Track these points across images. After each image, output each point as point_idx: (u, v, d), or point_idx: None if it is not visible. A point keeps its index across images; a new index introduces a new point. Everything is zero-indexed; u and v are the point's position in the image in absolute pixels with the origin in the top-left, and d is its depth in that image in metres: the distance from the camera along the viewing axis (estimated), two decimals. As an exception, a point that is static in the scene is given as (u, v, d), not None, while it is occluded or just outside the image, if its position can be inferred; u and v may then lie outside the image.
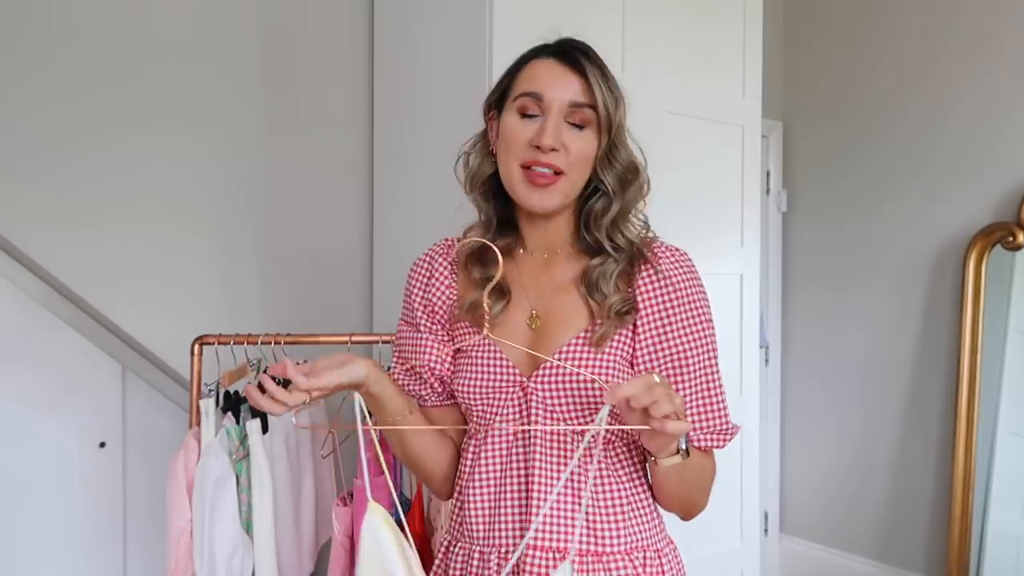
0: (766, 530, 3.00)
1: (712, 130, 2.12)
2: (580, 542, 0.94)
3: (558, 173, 0.95)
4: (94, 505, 1.81)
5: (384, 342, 1.62)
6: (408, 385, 1.06)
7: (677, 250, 1.02)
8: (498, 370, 0.98)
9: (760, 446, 2.51)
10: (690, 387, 0.97)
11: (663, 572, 0.98)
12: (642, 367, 0.96)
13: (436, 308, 1.06)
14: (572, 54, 0.97)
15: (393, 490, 0.90)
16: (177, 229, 1.86)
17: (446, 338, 1.06)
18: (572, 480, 0.95)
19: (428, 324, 1.06)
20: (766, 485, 2.96)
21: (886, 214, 2.72)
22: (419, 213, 1.97)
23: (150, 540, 1.85)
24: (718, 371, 0.99)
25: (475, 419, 1.01)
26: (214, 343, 1.54)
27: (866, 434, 2.77)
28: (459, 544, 1.02)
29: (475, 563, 0.98)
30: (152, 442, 1.87)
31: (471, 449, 1.01)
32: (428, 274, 1.08)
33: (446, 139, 1.87)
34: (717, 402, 0.98)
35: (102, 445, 1.82)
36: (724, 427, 0.98)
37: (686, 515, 1.01)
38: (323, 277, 2.10)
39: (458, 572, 1.00)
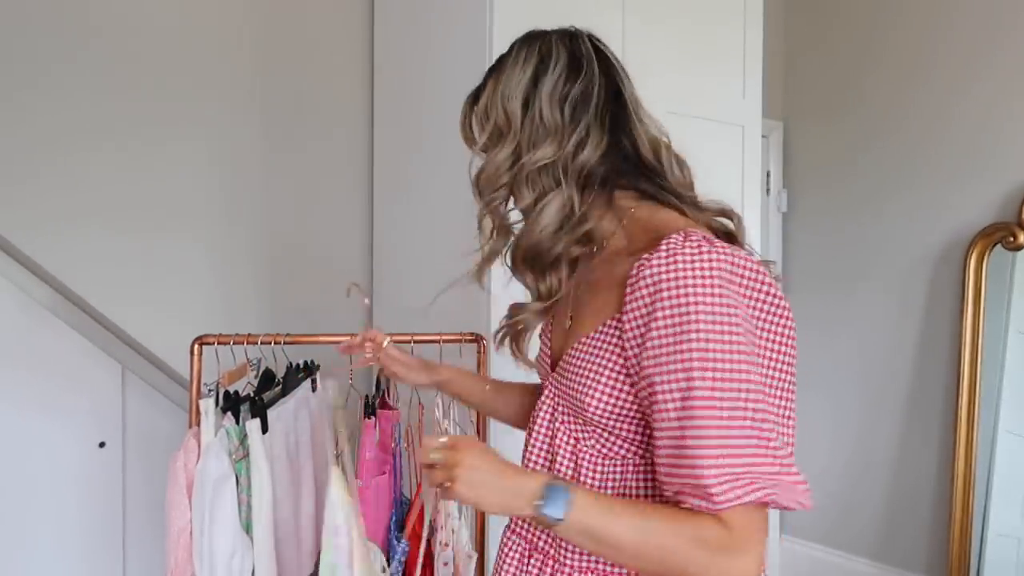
0: (766, 530, 2.99)
1: (712, 130, 2.12)
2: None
3: None
4: (94, 505, 1.82)
5: (384, 342, 1.62)
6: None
7: (687, 239, 0.77)
8: (544, 359, 1.04)
9: (760, 446, 2.51)
10: (663, 424, 0.74)
11: None
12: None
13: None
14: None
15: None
16: (177, 229, 1.86)
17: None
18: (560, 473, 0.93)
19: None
20: (766, 485, 2.96)
21: (886, 214, 2.71)
22: (419, 213, 1.97)
23: (150, 540, 1.85)
24: (705, 405, 0.70)
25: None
26: (214, 343, 1.54)
27: (866, 434, 2.77)
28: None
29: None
30: (152, 442, 1.87)
31: None
32: None
33: (446, 139, 1.87)
34: (692, 447, 0.71)
35: (102, 445, 1.82)
36: (697, 484, 0.70)
37: None
38: (323, 277, 2.10)
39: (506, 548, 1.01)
